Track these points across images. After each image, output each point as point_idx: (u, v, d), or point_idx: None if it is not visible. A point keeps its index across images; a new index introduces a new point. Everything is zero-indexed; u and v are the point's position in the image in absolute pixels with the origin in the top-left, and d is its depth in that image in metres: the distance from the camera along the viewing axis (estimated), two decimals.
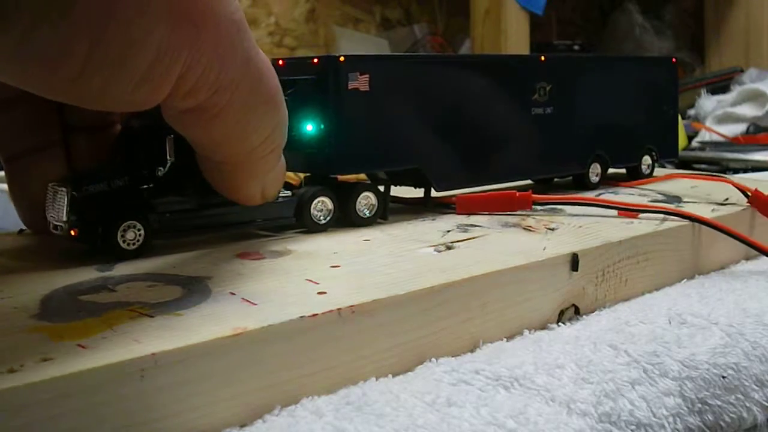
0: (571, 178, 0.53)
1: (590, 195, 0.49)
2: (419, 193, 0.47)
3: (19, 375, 0.21)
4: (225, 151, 0.31)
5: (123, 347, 0.23)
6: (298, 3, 1.54)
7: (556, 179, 0.54)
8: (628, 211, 0.42)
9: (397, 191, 0.46)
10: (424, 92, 0.44)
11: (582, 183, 0.52)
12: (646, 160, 0.56)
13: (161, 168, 0.35)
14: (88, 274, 0.32)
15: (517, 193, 0.43)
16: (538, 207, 0.45)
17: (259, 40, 1.48)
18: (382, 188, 0.43)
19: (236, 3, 0.28)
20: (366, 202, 0.42)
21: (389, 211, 0.43)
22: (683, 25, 1.73)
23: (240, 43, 0.28)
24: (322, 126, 0.41)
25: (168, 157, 0.35)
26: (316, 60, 0.41)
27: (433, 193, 0.46)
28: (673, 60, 0.59)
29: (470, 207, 0.44)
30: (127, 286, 0.30)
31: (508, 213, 0.43)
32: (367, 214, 0.42)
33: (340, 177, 0.43)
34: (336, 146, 0.41)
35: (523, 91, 0.49)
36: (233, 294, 0.29)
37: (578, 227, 0.40)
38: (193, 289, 0.29)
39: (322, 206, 0.40)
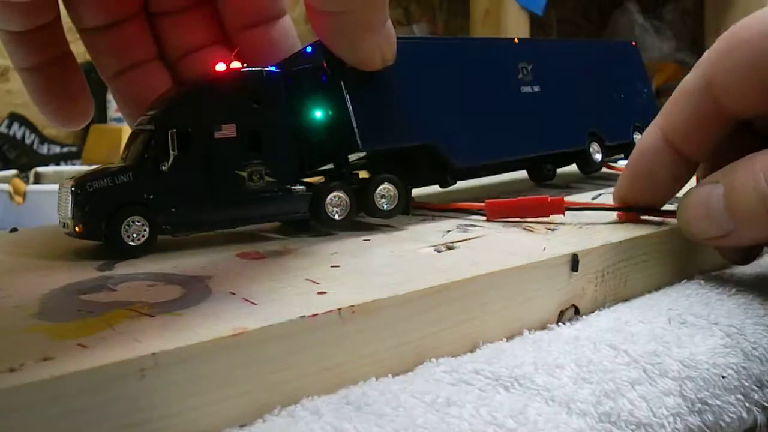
0: (575, 165, 0.55)
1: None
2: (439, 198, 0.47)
3: (19, 375, 0.21)
4: None
5: (123, 347, 0.23)
6: (298, 3, 1.54)
7: (558, 170, 0.55)
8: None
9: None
10: (432, 74, 0.44)
11: (587, 163, 0.54)
12: (637, 137, 0.57)
13: (165, 163, 0.35)
14: (88, 274, 0.32)
15: (549, 198, 0.42)
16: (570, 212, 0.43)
17: None
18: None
19: None
20: (386, 193, 0.41)
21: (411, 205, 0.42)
22: (683, 25, 1.74)
23: None
24: (330, 112, 0.40)
25: (171, 152, 0.35)
26: (309, 49, 0.40)
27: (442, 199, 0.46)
28: (633, 43, 0.63)
29: (501, 213, 0.43)
30: (127, 285, 0.30)
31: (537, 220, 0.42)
32: (386, 207, 0.41)
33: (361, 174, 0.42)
34: (344, 126, 0.39)
35: (510, 70, 0.50)
36: (233, 294, 0.29)
37: (578, 227, 0.40)
38: (193, 289, 0.29)
39: (338, 201, 0.39)
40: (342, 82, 0.39)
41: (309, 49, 0.40)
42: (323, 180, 0.42)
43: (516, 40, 0.52)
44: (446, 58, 0.46)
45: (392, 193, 0.41)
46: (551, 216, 0.43)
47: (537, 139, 0.51)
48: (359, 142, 0.40)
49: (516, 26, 1.30)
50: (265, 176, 0.38)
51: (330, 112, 0.40)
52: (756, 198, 0.33)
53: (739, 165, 0.35)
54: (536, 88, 0.51)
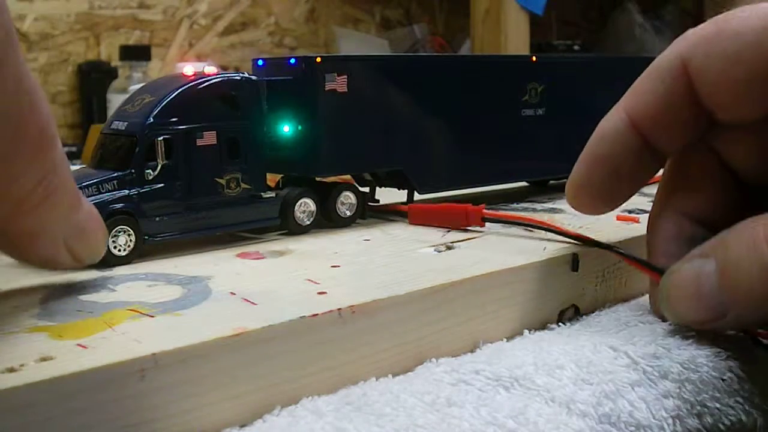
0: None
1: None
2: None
3: (19, 375, 0.21)
4: None
5: (123, 347, 0.23)
6: (298, 3, 1.54)
7: (552, 181, 0.54)
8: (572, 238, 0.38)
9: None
10: (406, 93, 0.44)
11: None
12: None
13: (150, 171, 0.35)
14: (88, 274, 0.32)
15: (470, 207, 0.41)
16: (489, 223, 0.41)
17: (259, 40, 1.48)
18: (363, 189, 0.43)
19: (8, 14, 0.23)
20: (346, 201, 0.42)
21: (367, 210, 0.43)
22: (683, 25, 1.74)
23: (14, 60, 0.23)
24: (300, 127, 0.41)
25: (159, 160, 0.35)
26: (293, 61, 0.41)
27: (383, 201, 0.46)
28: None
29: (422, 218, 0.42)
30: (127, 285, 0.30)
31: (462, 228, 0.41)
32: (348, 214, 0.42)
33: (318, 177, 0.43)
34: (313, 148, 0.41)
35: (513, 91, 0.48)
36: (233, 294, 0.29)
37: (578, 228, 0.40)
38: (193, 289, 0.30)
39: (305, 207, 0.40)
40: (312, 106, 0.40)
41: (293, 61, 0.41)
42: (281, 183, 0.42)
43: (534, 59, 0.50)
44: (438, 78, 0.45)
45: (352, 201, 0.42)
46: (553, 214, 0.43)
47: (523, 166, 0.50)
48: (311, 169, 0.41)
49: (516, 26, 1.30)
50: (242, 183, 0.38)
51: (294, 130, 0.41)
52: (759, 272, 0.28)
53: (734, 235, 0.29)
54: (540, 111, 0.49)
